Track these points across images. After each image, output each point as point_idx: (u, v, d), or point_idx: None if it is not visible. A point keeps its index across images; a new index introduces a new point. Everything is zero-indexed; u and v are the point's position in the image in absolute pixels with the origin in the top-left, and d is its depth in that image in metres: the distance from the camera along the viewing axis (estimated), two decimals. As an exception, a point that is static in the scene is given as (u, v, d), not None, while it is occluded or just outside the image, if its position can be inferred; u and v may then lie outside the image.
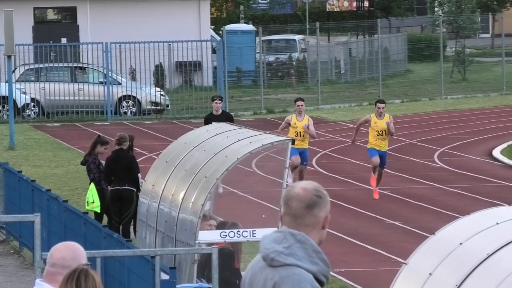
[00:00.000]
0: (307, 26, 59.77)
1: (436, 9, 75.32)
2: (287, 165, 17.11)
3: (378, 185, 25.78)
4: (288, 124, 23.36)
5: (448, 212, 22.38)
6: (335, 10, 79.83)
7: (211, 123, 21.43)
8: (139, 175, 21.55)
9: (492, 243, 10.93)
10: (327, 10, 79.94)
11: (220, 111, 24.25)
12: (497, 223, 11.56)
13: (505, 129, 39.83)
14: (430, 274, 11.25)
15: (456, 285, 10.70)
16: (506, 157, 31.83)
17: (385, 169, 27.09)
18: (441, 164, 33.66)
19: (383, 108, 25.20)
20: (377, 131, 24.42)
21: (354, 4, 76.21)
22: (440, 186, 29.74)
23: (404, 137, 38.76)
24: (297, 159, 22.99)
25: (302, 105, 24.14)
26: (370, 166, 26.09)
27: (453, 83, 55.98)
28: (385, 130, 24.65)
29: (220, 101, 24.64)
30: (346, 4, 79.52)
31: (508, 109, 46.92)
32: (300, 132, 23.06)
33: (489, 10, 75.46)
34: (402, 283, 11.85)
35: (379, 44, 58.54)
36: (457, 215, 15.23)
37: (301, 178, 22.96)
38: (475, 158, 34.34)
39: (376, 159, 24.85)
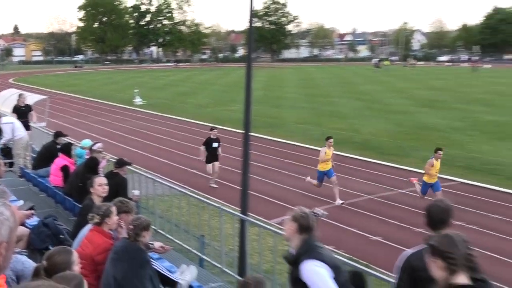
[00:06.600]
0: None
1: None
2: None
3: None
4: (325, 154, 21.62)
5: None
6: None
7: (211, 144, 22.49)
8: None
9: None
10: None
11: (216, 136, 23.20)
12: None
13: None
14: None
15: None
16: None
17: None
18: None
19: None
20: (436, 169, 20.30)
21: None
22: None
23: None
24: (320, 185, 21.59)
25: (332, 141, 22.11)
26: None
27: None
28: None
29: (216, 130, 23.47)
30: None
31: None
32: (329, 158, 21.65)
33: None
34: None
35: None
36: None
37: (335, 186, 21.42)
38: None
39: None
